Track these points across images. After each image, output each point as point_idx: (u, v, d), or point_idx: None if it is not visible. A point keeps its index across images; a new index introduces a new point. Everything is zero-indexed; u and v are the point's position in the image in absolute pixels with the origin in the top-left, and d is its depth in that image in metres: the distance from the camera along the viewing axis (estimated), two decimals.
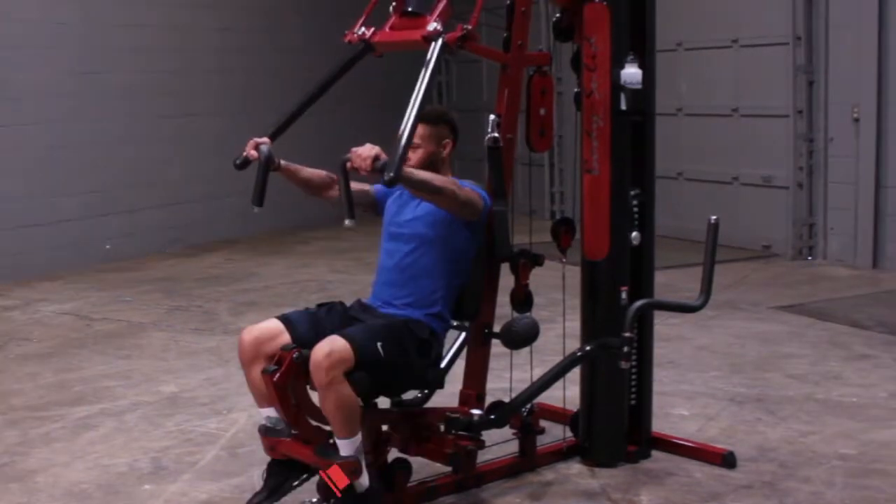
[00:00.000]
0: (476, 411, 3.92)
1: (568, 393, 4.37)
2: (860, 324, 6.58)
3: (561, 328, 4.44)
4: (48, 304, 7.59)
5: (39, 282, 8.33)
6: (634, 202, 4.21)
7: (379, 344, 3.52)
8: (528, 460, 4.21)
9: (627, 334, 3.89)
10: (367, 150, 3.43)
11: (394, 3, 3.85)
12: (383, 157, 3.41)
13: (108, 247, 9.35)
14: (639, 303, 4.02)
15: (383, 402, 3.83)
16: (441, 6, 3.71)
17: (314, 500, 3.61)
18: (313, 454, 3.55)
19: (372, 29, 3.89)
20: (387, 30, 3.87)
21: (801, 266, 8.64)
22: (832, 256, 8.68)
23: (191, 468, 4.36)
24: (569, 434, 4.37)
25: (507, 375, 4.34)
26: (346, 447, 3.49)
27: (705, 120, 9.74)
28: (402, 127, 3.43)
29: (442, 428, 3.89)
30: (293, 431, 3.62)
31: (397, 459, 3.83)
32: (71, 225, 9.05)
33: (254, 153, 3.82)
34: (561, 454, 4.33)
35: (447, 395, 4.04)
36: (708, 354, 5.98)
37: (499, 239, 3.94)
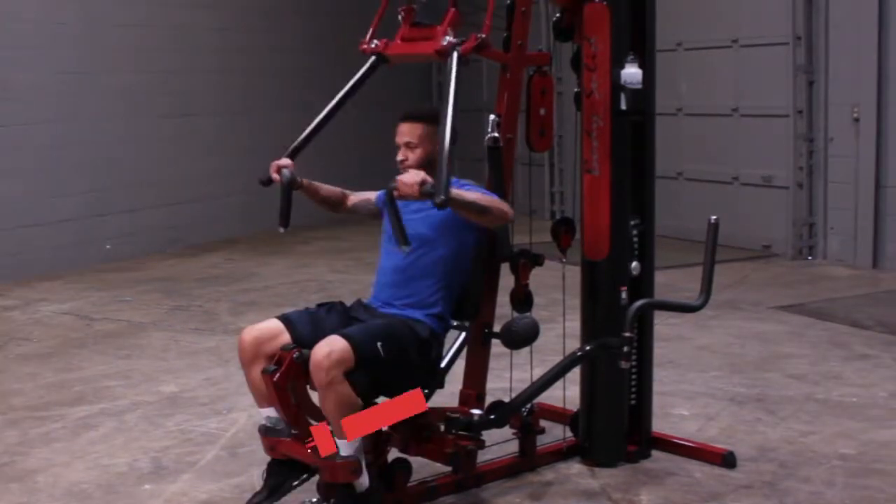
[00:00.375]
0: (476, 411, 3.91)
1: (568, 393, 4.37)
2: (860, 324, 6.59)
3: (561, 328, 4.44)
4: (48, 304, 7.59)
5: (39, 282, 8.33)
6: (634, 232, 4.21)
7: (379, 344, 3.52)
8: (528, 460, 4.21)
9: (627, 334, 3.90)
10: (413, 177, 3.42)
11: (402, 13, 3.87)
12: (429, 181, 3.40)
13: (108, 247, 9.35)
14: (639, 303, 4.02)
15: None
16: (450, 16, 3.73)
17: (314, 500, 3.62)
18: (313, 454, 3.55)
19: (385, 41, 3.93)
20: (399, 41, 3.91)
21: (801, 266, 8.64)
22: (832, 256, 8.68)
23: (191, 468, 4.36)
24: (569, 434, 4.37)
25: (507, 375, 4.34)
26: (346, 447, 3.49)
27: (705, 120, 9.74)
28: (439, 146, 3.44)
29: (442, 428, 3.89)
30: (293, 431, 3.62)
31: (397, 459, 3.83)
32: (71, 225, 9.05)
33: (276, 177, 3.87)
34: (561, 454, 4.33)
35: (447, 395, 4.04)
36: (708, 354, 5.98)
37: (499, 239, 3.95)
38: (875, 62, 8.14)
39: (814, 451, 4.41)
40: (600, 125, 4.10)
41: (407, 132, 3.84)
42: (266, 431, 3.67)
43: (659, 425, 4.51)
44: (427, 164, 3.82)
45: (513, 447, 4.22)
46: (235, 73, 10.62)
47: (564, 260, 4.18)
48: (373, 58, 3.97)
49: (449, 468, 3.89)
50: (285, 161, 3.90)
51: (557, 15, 4.26)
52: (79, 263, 8.92)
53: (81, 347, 6.38)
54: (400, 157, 3.85)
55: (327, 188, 4.12)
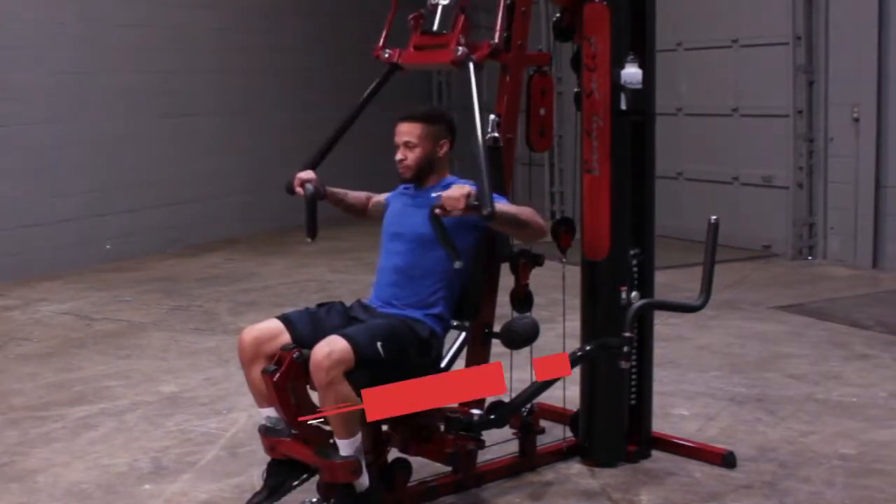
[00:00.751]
0: (476, 411, 3.91)
1: (568, 393, 4.37)
2: (860, 324, 6.59)
3: (561, 328, 4.43)
4: (48, 304, 7.59)
5: (39, 282, 8.33)
6: (634, 262, 4.21)
7: (379, 344, 3.52)
8: (528, 460, 4.21)
9: (627, 334, 3.90)
10: (458, 191, 3.42)
11: (411, 21, 3.89)
12: (474, 193, 3.40)
13: (108, 247, 9.35)
14: (639, 303, 4.02)
15: None
16: (461, 23, 3.75)
17: (314, 500, 3.62)
18: (313, 454, 3.55)
19: (398, 50, 3.97)
20: (412, 49, 3.94)
21: (801, 266, 8.64)
22: (832, 256, 8.69)
23: (191, 468, 4.36)
24: (569, 434, 4.38)
25: (508, 375, 4.33)
26: (346, 447, 3.49)
27: (705, 120, 9.74)
28: (476, 158, 3.44)
29: (442, 428, 3.89)
30: (293, 431, 3.62)
31: (397, 459, 3.83)
32: (71, 225, 9.05)
33: (300, 191, 3.90)
34: (561, 454, 4.33)
35: None
36: (708, 354, 5.98)
37: (499, 239, 3.96)
38: (875, 62, 8.14)
39: (814, 451, 4.41)
40: (600, 125, 4.10)
41: (406, 132, 3.85)
42: (266, 431, 3.67)
43: (659, 425, 4.51)
44: (425, 164, 3.84)
45: (513, 447, 4.22)
46: (235, 73, 10.61)
47: (564, 260, 4.18)
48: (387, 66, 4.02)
49: (449, 468, 3.89)
50: (308, 174, 3.93)
51: (557, 15, 4.26)
52: (79, 263, 8.92)
53: (81, 347, 6.38)
54: (399, 156, 3.86)
55: (353, 195, 4.16)
